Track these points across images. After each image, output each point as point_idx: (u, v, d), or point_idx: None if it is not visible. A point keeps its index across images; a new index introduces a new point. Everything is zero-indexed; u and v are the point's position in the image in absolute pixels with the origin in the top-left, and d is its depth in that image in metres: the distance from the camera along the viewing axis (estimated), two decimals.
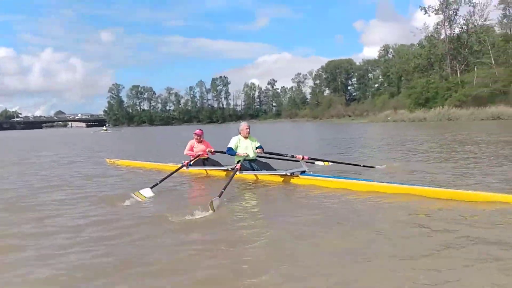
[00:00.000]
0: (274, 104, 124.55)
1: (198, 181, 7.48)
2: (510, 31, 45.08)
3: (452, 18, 53.60)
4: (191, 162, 8.00)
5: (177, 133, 38.83)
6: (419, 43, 60.48)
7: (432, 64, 56.23)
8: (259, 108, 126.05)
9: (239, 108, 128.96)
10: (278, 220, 4.21)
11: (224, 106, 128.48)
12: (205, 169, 7.98)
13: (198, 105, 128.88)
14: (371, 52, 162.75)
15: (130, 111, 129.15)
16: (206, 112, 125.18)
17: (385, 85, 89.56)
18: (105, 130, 53.62)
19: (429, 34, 56.31)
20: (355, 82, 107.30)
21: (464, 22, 53.25)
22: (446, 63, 53.93)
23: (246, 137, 7.21)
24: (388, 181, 5.55)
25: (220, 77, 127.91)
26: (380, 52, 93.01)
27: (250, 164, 7.05)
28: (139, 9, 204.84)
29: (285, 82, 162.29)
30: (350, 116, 66.67)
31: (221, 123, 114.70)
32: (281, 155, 7.36)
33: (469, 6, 52.31)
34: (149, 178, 7.37)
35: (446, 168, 7.34)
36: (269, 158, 7.54)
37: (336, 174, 6.43)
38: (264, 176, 6.79)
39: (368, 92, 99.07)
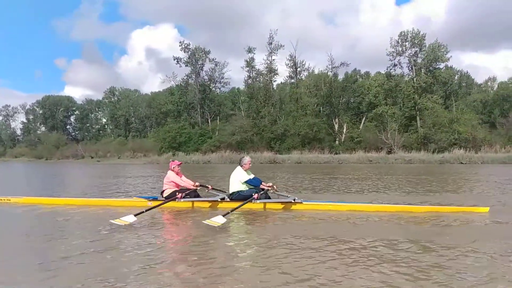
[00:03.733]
0: None
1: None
2: (254, 90, 54.20)
3: (199, 71, 59.61)
4: (183, 194, 7.72)
5: None
6: (170, 89, 63.39)
7: (181, 111, 59.95)
8: None
9: None
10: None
11: None
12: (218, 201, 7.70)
13: None
14: (74, 91, 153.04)
15: None
16: None
17: (111, 127, 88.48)
18: None
19: (179, 83, 60.25)
20: (73, 121, 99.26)
21: (207, 77, 60.36)
22: (196, 111, 58.70)
23: (246, 170, 7.78)
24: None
25: None
26: (106, 94, 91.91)
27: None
28: None
29: None
30: (92, 157, 60.11)
31: None
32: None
33: (210, 63, 60.02)
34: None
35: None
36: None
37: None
38: (268, 204, 7.47)
39: (91, 133, 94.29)
